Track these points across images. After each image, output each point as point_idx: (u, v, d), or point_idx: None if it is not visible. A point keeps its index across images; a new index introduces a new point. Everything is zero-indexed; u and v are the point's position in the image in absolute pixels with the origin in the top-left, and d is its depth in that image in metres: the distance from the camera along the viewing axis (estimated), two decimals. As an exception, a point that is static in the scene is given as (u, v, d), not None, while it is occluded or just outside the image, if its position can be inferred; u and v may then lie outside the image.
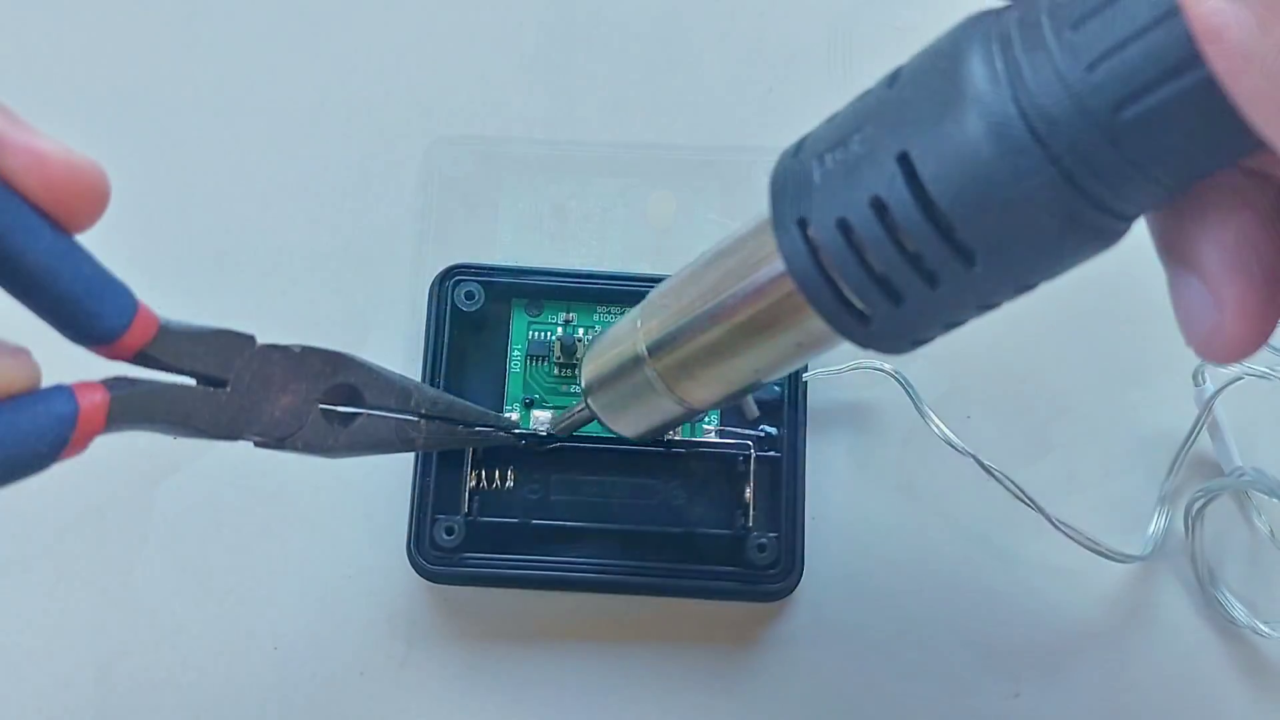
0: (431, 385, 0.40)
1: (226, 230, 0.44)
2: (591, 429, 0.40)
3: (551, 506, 0.40)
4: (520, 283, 0.42)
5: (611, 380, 0.34)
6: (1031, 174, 0.21)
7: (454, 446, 0.38)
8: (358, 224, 0.45)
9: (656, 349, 0.31)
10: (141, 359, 0.27)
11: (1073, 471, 0.42)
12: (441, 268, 0.42)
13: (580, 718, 0.40)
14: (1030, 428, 0.42)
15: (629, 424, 0.35)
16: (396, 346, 0.42)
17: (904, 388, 0.40)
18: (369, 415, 0.32)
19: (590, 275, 0.42)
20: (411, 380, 0.33)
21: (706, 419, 0.41)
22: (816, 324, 0.26)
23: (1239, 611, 0.40)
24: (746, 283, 0.28)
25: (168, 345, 0.27)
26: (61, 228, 0.25)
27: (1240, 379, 0.40)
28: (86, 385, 0.26)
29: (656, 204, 0.45)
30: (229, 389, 0.29)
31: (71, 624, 0.40)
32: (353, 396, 0.32)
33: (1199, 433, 0.41)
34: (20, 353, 0.25)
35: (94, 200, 0.25)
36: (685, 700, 0.40)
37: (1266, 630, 0.39)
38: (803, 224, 0.25)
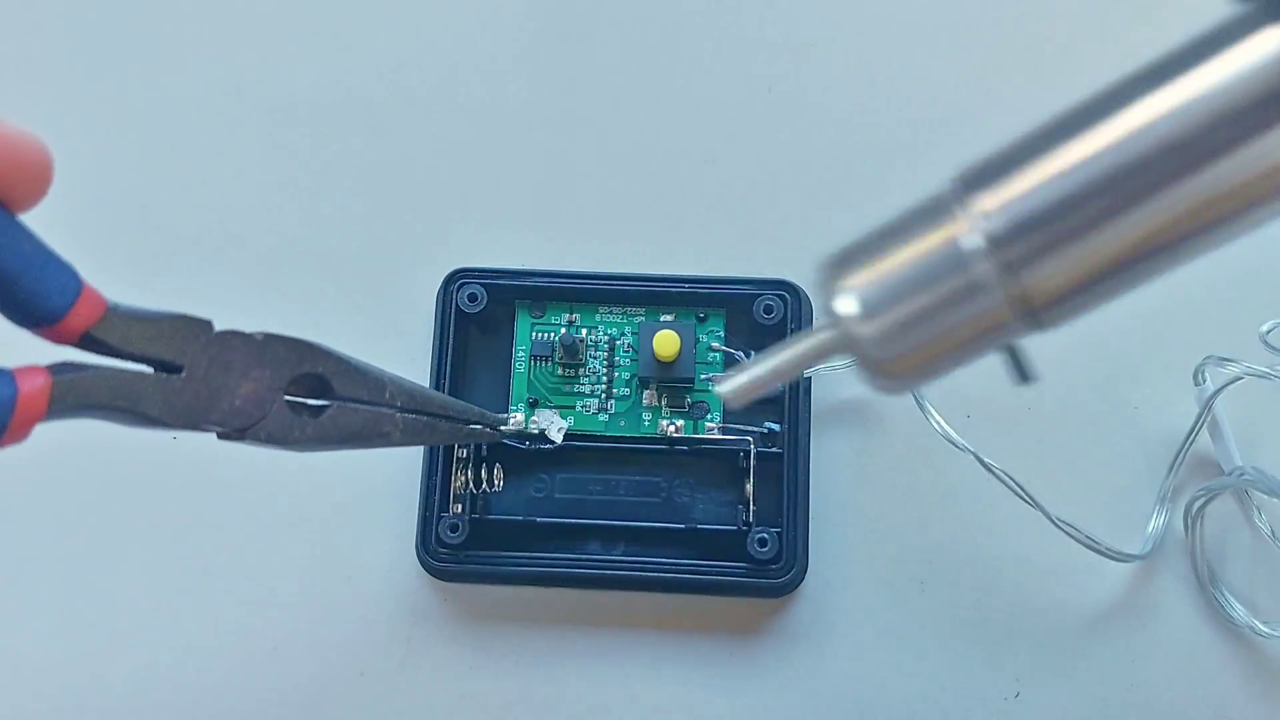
0: (438, 387, 0.37)
1: (226, 229, 0.41)
2: (593, 426, 0.37)
3: (555, 504, 0.38)
4: (523, 284, 0.39)
5: (910, 290, 0.21)
6: None
7: (435, 442, 0.34)
8: (364, 229, 0.41)
9: (1009, 234, 0.20)
10: (88, 342, 0.23)
11: (1073, 470, 0.38)
12: (446, 271, 0.39)
13: (583, 713, 0.37)
14: (1031, 426, 0.39)
15: (914, 359, 0.22)
16: (405, 350, 0.39)
17: (907, 383, 0.35)
18: (339, 406, 0.27)
19: (592, 276, 0.39)
20: (386, 372, 0.28)
21: (710, 415, 0.38)
22: None
23: (1239, 611, 0.37)
24: (1218, 86, 0.18)
25: (116, 328, 0.23)
26: (1, 205, 0.22)
27: (1240, 379, 0.36)
28: (28, 369, 0.22)
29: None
30: (184, 375, 0.24)
31: (70, 623, 0.38)
32: (322, 388, 0.27)
33: (1199, 432, 0.37)
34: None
35: (35, 177, 0.22)
36: (689, 696, 0.37)
37: (1266, 630, 0.36)
38: None
